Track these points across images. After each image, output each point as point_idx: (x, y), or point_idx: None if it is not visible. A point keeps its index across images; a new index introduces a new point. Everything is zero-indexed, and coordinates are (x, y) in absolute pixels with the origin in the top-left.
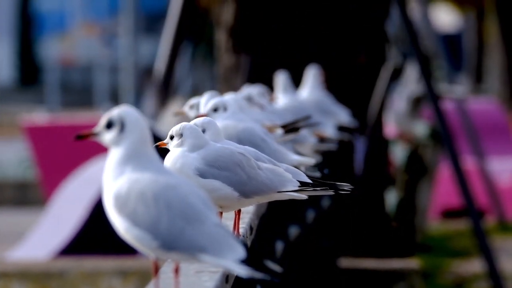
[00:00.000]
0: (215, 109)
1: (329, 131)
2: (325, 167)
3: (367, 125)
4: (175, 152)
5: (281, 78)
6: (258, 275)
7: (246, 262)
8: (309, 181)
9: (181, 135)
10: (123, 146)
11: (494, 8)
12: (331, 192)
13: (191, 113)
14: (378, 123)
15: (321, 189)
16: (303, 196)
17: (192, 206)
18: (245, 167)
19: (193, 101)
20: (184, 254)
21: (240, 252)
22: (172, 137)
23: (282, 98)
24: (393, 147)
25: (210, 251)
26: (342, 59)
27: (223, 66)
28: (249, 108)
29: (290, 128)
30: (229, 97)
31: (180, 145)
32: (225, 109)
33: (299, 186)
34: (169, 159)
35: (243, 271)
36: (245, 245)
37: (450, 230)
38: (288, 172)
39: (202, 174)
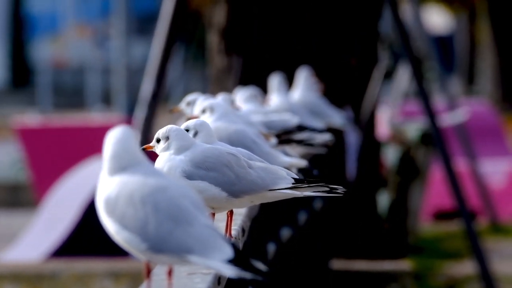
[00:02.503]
0: (203, 111)
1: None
2: (316, 169)
3: (360, 126)
4: (163, 156)
5: (275, 80)
6: (245, 275)
7: (233, 262)
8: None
9: (167, 138)
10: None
11: (486, 9)
12: (325, 189)
13: (188, 110)
14: (371, 125)
15: (315, 185)
16: (296, 193)
17: (181, 208)
18: (233, 167)
19: (190, 98)
20: (172, 256)
21: (228, 252)
22: (158, 140)
23: (275, 100)
24: (385, 149)
25: (197, 252)
26: (334, 60)
27: (215, 67)
28: (238, 110)
29: (285, 138)
30: (219, 98)
31: (166, 148)
32: (212, 111)
33: (293, 183)
34: (157, 163)
35: (230, 271)
36: (233, 245)
37: (442, 232)
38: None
39: (189, 176)
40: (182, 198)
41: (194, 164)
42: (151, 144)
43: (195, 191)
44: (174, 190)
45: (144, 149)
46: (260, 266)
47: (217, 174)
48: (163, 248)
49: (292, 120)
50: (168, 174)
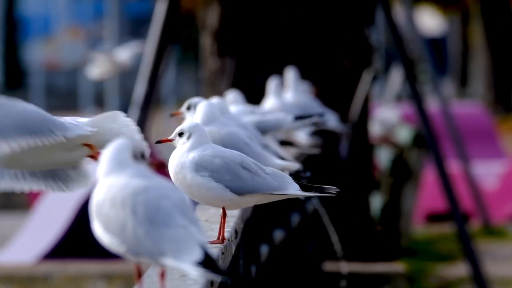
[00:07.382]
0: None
1: (303, 136)
2: (309, 172)
3: (351, 128)
4: (179, 151)
5: (273, 83)
6: (211, 276)
7: (202, 264)
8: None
9: (190, 134)
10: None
11: (478, 12)
12: (318, 194)
13: (188, 114)
14: (363, 127)
15: (320, 189)
16: (298, 193)
17: (159, 209)
18: (241, 168)
19: (192, 101)
20: (148, 258)
21: (198, 254)
22: (180, 134)
23: (270, 102)
24: (378, 151)
25: (170, 255)
26: (327, 63)
27: (208, 69)
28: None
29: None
30: (212, 101)
31: (187, 143)
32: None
33: (299, 189)
34: (172, 159)
35: (197, 273)
36: (203, 248)
37: (435, 234)
38: (274, 175)
39: (199, 174)
40: (162, 199)
41: (203, 163)
42: (171, 137)
43: (180, 191)
44: (155, 191)
45: (160, 142)
46: (222, 267)
47: (225, 174)
48: (139, 250)
49: (286, 118)
50: (180, 171)
